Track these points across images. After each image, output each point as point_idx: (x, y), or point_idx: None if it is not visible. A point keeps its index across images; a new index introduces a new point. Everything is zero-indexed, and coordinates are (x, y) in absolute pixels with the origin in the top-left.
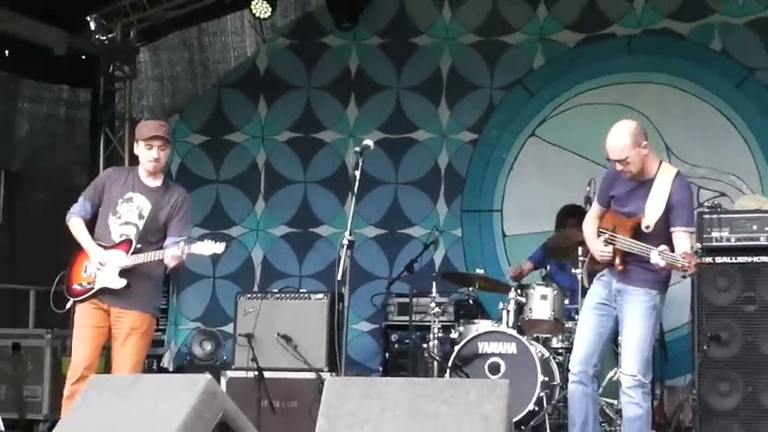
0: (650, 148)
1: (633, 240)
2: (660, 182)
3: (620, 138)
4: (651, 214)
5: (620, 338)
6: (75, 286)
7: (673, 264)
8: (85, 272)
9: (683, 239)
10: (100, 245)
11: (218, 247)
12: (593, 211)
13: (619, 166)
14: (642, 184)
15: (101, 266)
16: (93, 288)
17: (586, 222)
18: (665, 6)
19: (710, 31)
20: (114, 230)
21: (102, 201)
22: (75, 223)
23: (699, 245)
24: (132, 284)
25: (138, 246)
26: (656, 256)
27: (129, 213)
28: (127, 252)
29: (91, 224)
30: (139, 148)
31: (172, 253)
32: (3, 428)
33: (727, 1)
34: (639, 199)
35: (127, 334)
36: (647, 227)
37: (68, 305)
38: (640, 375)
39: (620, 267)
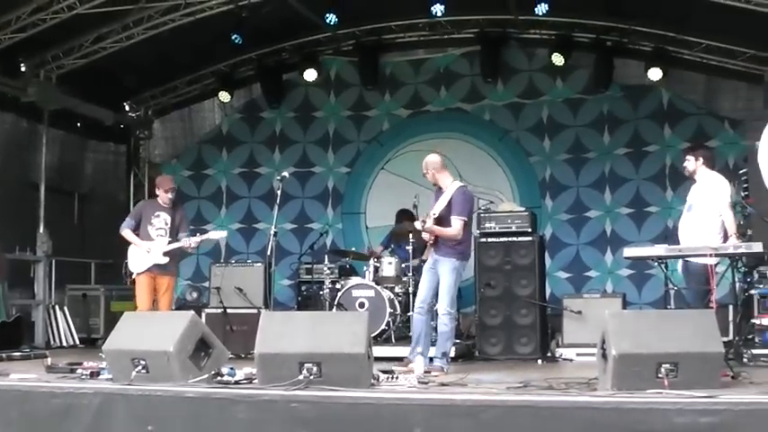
0: (446, 170)
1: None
2: (449, 190)
3: (426, 163)
4: (437, 208)
5: None
6: (135, 266)
7: (432, 230)
8: (140, 257)
9: (454, 222)
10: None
11: (223, 233)
12: (430, 214)
13: (426, 176)
14: (443, 193)
15: (149, 252)
16: (148, 265)
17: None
18: (458, 95)
19: (484, 109)
20: (152, 233)
21: (140, 219)
22: (128, 233)
23: (478, 231)
24: (169, 259)
25: (169, 239)
26: (419, 225)
27: (159, 223)
28: (166, 243)
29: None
30: (160, 192)
31: (194, 240)
32: (78, 341)
33: (492, 91)
34: (439, 201)
35: (165, 287)
36: (434, 214)
37: (133, 276)
38: (448, 308)
39: (431, 243)
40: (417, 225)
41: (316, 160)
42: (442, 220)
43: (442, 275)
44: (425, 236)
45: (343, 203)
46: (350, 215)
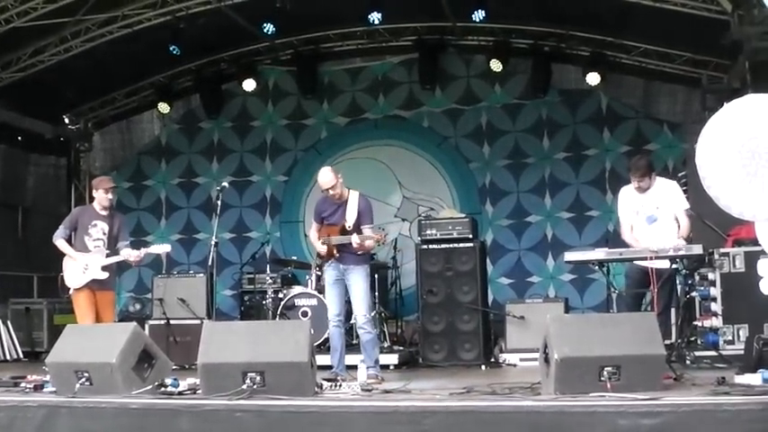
0: (343, 181)
1: (342, 236)
2: (351, 201)
3: (335, 175)
4: (350, 219)
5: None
6: (71, 281)
7: (364, 241)
8: (76, 271)
9: (366, 231)
10: (81, 254)
11: (167, 247)
12: (314, 227)
13: (330, 192)
14: (341, 204)
15: (87, 267)
16: (85, 281)
17: (311, 234)
18: (396, 102)
19: (422, 116)
20: (89, 245)
21: (75, 228)
22: (62, 243)
23: (419, 238)
24: (108, 275)
25: (108, 252)
26: (355, 239)
27: (97, 234)
28: (104, 256)
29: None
30: (99, 193)
31: (136, 254)
32: (21, 355)
33: (430, 98)
34: (341, 213)
35: (106, 304)
36: (349, 227)
37: (70, 292)
38: (367, 314)
39: (336, 255)
40: (321, 248)
41: (253, 169)
42: (353, 230)
43: (355, 284)
44: (324, 251)
45: (282, 212)
46: (288, 224)
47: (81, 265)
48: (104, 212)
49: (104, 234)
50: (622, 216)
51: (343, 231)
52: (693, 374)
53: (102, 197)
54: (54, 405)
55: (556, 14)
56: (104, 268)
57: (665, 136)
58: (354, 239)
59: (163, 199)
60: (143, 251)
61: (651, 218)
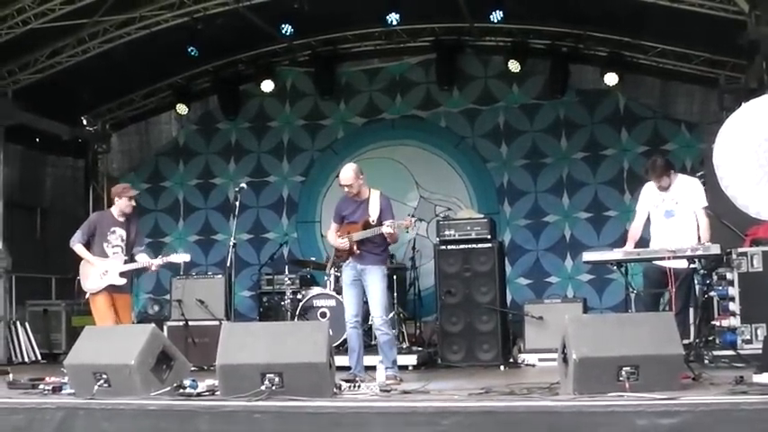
0: (364, 181)
1: (366, 231)
2: (373, 199)
3: (355, 173)
4: (373, 214)
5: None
6: (89, 285)
7: (396, 228)
8: (94, 276)
9: (389, 224)
10: (99, 259)
11: (186, 257)
12: (332, 228)
13: (346, 189)
14: (362, 202)
15: (105, 272)
16: (103, 285)
17: (330, 235)
18: (413, 102)
19: (439, 116)
20: (108, 251)
21: (93, 233)
22: (80, 248)
23: (437, 239)
24: (126, 280)
25: (126, 258)
26: (387, 228)
27: (115, 240)
28: (123, 263)
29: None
30: (122, 201)
31: (157, 263)
32: (39, 357)
33: (448, 98)
34: (363, 210)
35: (124, 307)
36: (374, 221)
37: (86, 296)
38: (383, 315)
39: (357, 252)
40: (340, 243)
41: (270, 169)
42: (376, 225)
43: (372, 284)
44: (345, 246)
45: (298, 212)
46: (305, 224)
47: (100, 270)
48: (122, 218)
49: (123, 240)
50: (639, 209)
51: (367, 226)
52: (711, 374)
53: (125, 204)
54: (72, 407)
55: (573, 15)
56: (122, 274)
57: (683, 136)
58: (386, 228)
59: (180, 200)
60: (162, 260)
61: (669, 212)
